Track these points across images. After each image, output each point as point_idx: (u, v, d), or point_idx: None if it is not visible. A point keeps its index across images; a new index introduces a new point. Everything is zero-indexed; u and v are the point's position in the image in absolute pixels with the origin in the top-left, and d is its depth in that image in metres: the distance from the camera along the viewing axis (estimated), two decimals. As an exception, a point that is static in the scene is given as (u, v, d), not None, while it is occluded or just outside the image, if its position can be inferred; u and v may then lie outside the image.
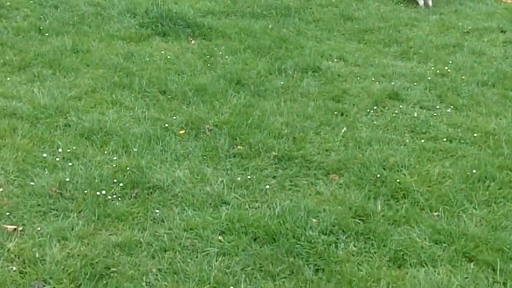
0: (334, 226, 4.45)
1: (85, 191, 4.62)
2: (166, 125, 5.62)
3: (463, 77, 7.13)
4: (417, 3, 9.50)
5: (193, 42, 7.64)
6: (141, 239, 4.21)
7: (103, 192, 4.61)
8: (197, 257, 4.09)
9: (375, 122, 6.02)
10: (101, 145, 5.27)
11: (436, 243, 4.41)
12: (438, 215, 4.71)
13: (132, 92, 6.21)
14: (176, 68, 6.84)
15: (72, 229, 4.26)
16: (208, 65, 6.98)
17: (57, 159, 5.03)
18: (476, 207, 4.82)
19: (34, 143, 5.26)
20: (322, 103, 6.30)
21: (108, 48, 7.23)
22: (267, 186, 4.87)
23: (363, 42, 8.09)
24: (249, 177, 4.97)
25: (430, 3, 9.49)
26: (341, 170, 5.18)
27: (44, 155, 5.07)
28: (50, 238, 4.16)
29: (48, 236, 4.18)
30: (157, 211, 4.50)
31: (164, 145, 5.31)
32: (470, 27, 8.80)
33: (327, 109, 6.19)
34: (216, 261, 4.05)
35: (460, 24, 8.91)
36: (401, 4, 9.61)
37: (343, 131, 5.79)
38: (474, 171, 5.23)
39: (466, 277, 4.11)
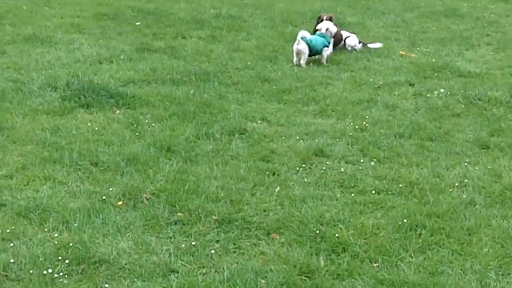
0: (282, 285, 4.59)
1: (31, 271, 4.60)
2: (103, 197, 5.66)
3: (381, 131, 7.45)
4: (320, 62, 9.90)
5: (118, 112, 7.72)
6: (95, 314, 4.22)
7: (49, 270, 4.60)
8: (153, 327, 4.12)
9: (305, 180, 6.22)
10: (40, 222, 5.25)
11: (380, 294, 4.59)
12: (378, 265, 4.90)
13: (64, 166, 6.23)
14: (104, 139, 6.89)
15: (23, 311, 4.23)
16: (136, 134, 7.07)
17: (-3, 240, 4.98)
18: (412, 255, 5.04)
19: (-30, 225, 5.19)
20: (253, 164, 6.47)
21: (33, 123, 7.22)
22: (212, 251, 4.97)
23: (282, 102, 8.35)
24: (193, 243, 5.05)
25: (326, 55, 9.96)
26: (281, 229, 5.33)
27: (-17, 237, 5.01)
28: (2, 321, 4.12)
29: (-1, 319, 4.14)
30: (106, 285, 4.52)
31: (104, 217, 5.34)
32: (380, 82, 9.21)
33: (259, 169, 6.36)
34: (173, 329, 4.10)
35: (371, 79, 9.31)
36: (313, 65, 9.96)
37: (277, 190, 5.97)
38: (405, 220, 5.47)
39: (413, 324, 4.29)
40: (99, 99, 7.97)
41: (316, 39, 9.94)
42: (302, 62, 9.82)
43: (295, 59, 9.88)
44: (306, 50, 9.81)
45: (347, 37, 10.86)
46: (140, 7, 13.22)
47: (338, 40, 10.61)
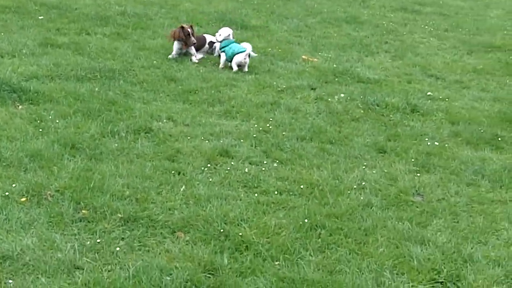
0: (187, 282, 4.69)
1: None
2: (6, 193, 5.61)
3: (283, 133, 7.66)
4: (232, 68, 9.99)
5: (20, 107, 7.62)
6: (-2, 311, 4.21)
7: (-49, 266, 4.55)
8: (58, 323, 4.15)
9: (210, 179, 6.34)
10: None
11: (281, 291, 4.77)
12: (279, 264, 5.07)
13: (-35, 161, 6.12)
14: (6, 134, 6.80)
15: None
16: (40, 130, 7.00)
17: None
18: (312, 254, 5.24)
19: None
20: (159, 163, 6.54)
21: None
22: (117, 249, 5.02)
23: (188, 103, 8.43)
24: (98, 240, 5.09)
25: (245, 69, 10.01)
26: (186, 227, 5.43)
27: None
28: None
29: None
30: (10, 281, 4.51)
31: (7, 213, 5.30)
32: (284, 86, 9.42)
33: (164, 168, 6.43)
34: (78, 325, 4.14)
35: (274, 83, 9.51)
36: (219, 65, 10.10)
37: (182, 189, 6.06)
38: (305, 220, 5.68)
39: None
40: (1, 94, 7.84)
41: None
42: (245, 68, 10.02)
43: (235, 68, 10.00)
44: None
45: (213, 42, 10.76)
46: (43, 1, 12.99)
47: (201, 45, 10.66)
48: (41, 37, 10.51)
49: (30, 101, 7.82)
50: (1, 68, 8.77)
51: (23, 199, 5.56)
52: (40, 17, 11.78)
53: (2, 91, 7.90)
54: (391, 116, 8.53)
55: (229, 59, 10.01)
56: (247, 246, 5.24)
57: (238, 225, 5.54)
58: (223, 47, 10.13)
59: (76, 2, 13.33)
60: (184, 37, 10.16)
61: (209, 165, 6.65)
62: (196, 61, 10.20)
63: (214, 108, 8.35)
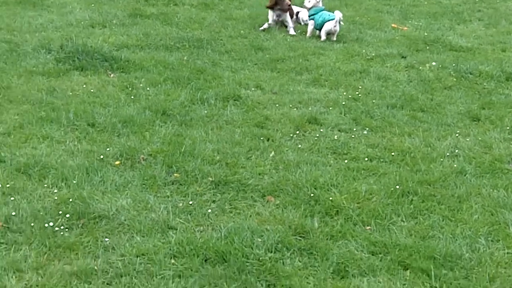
0: (278, 244, 4.69)
1: (32, 224, 4.68)
2: (101, 156, 5.73)
3: (373, 101, 7.55)
4: (320, 37, 9.88)
5: (112, 75, 7.76)
6: (95, 267, 4.31)
7: (50, 224, 4.68)
8: (153, 280, 4.22)
9: (299, 146, 6.32)
10: (39, 179, 5.32)
11: (373, 254, 4.72)
12: (370, 228, 5.02)
13: (61, 126, 6.28)
14: (100, 101, 6.94)
15: (25, 261, 4.33)
16: (131, 97, 7.12)
17: (-3, 194, 5.05)
18: (404, 219, 5.16)
19: (-31, 180, 5.25)
20: (248, 130, 6.55)
21: (28, 84, 7.24)
22: (209, 210, 5.07)
23: (276, 71, 8.41)
24: (190, 202, 5.15)
25: (334, 38, 9.87)
26: (276, 191, 5.43)
27: (-17, 191, 5.08)
28: (5, 271, 4.21)
29: (3, 269, 4.23)
30: (106, 239, 4.61)
31: (102, 175, 5.42)
32: (373, 54, 9.28)
33: (253, 135, 6.44)
34: (172, 283, 4.21)
35: (363, 51, 9.39)
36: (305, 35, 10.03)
37: (271, 155, 6.06)
38: (397, 186, 5.59)
39: (404, 284, 4.42)
40: (94, 62, 8.00)
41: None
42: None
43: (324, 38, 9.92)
44: None
45: (298, 12, 10.65)
46: (132, -27, 13.18)
47: (290, 14, 10.52)
48: (130, 8, 10.66)
49: (121, 70, 7.96)
50: (93, 38, 8.95)
51: (117, 162, 5.67)
52: (129, -11, 11.94)
53: (95, 59, 8.06)
54: (485, 84, 8.29)
55: (318, 27, 9.91)
56: (337, 211, 5.20)
57: (328, 190, 5.50)
58: (312, 15, 10.01)
59: (164, -26, 13.44)
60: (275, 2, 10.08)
61: (297, 132, 6.62)
62: (294, 33, 10.09)
63: (302, 77, 8.30)
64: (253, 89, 7.70)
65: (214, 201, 5.23)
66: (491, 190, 5.66)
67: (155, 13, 10.51)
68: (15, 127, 6.20)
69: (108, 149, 5.88)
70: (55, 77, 7.53)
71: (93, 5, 10.67)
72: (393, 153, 6.26)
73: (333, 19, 9.76)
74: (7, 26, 9.19)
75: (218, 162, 5.82)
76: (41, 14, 9.99)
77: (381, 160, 6.16)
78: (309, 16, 10.11)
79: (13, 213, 4.76)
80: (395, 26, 10.77)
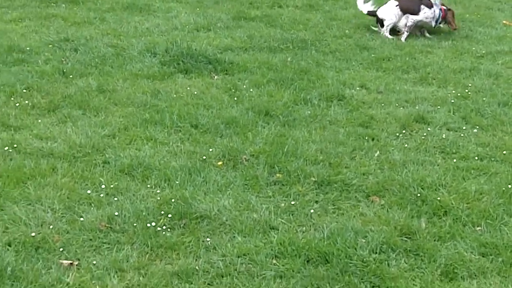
0: (383, 245, 4.54)
1: (134, 224, 4.70)
2: (204, 157, 5.72)
3: (484, 99, 7.25)
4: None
5: (216, 77, 7.77)
6: (197, 267, 4.29)
7: (153, 224, 4.69)
8: (254, 281, 4.16)
9: (405, 145, 6.12)
10: (143, 179, 5.36)
11: (483, 256, 4.50)
12: (480, 229, 4.79)
13: (165, 128, 6.32)
14: (203, 103, 6.95)
15: (127, 261, 4.34)
16: (235, 98, 7.10)
17: (101, 195, 5.11)
18: (517, 220, 4.90)
19: (75, 181, 5.34)
20: (352, 130, 6.40)
21: (133, 87, 7.34)
22: (311, 211, 4.96)
23: (381, 70, 8.21)
24: (292, 203, 5.05)
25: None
26: (381, 192, 5.27)
27: (88, 191, 5.15)
28: (107, 271, 4.24)
29: (105, 268, 4.26)
30: (208, 239, 4.58)
31: (205, 176, 5.40)
32: (483, 51, 8.94)
33: (357, 135, 6.29)
34: (274, 283, 4.13)
35: (473, 49, 9.06)
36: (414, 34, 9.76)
37: (376, 155, 5.89)
38: (509, 186, 5.32)
39: (518, 288, 4.18)
40: (198, 65, 8.03)
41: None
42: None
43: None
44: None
45: None
46: (236, -22, 13.23)
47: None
48: (234, 11, 10.68)
49: (225, 72, 7.95)
50: (197, 41, 8.99)
51: (220, 163, 5.65)
52: (233, -7, 11.98)
53: (199, 62, 8.09)
54: None
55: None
56: (445, 211, 5.00)
57: (435, 190, 5.30)
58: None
59: (268, -23, 13.42)
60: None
61: (404, 131, 6.42)
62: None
63: (408, 75, 8.07)
64: (357, 88, 7.54)
65: (316, 201, 5.12)
66: None
67: (259, 16, 10.48)
68: (119, 129, 6.28)
69: (210, 150, 5.87)
70: (160, 80, 7.61)
71: (198, 9, 10.75)
72: (504, 152, 5.98)
73: None
74: (113, 31, 9.37)
75: (321, 162, 5.71)
76: (147, 19, 10.13)
77: (492, 159, 5.89)
78: None
79: (116, 213, 4.80)
80: (507, 23, 10.34)
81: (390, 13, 9.59)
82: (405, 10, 9.58)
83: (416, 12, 9.54)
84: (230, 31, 9.62)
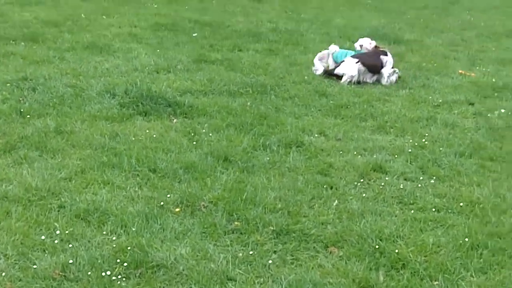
0: (341, 299, 4.51)
1: (89, 273, 4.60)
2: (161, 203, 5.65)
3: (440, 149, 7.33)
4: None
5: (175, 120, 7.73)
6: (152, 319, 4.20)
7: (108, 272, 4.60)
8: (211, 334, 4.09)
9: (364, 195, 6.14)
10: (99, 225, 5.27)
11: (441, 312, 4.49)
12: (438, 284, 4.79)
13: (122, 172, 6.24)
14: (162, 146, 6.90)
15: (82, 311, 4.24)
16: (194, 142, 7.06)
17: (56, 241, 5.00)
18: (473, 274, 4.92)
19: (30, 225, 5.22)
20: (310, 177, 6.41)
21: (92, 129, 7.26)
22: (270, 261, 4.92)
23: (340, 117, 8.27)
24: (250, 252, 5.01)
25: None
26: (339, 242, 5.25)
27: (42, 237, 5.03)
28: (61, 321, 4.13)
29: (58, 319, 4.14)
30: (165, 289, 4.51)
31: (162, 223, 5.33)
32: (440, 101, 9.08)
33: (316, 182, 6.29)
34: (231, 337, 4.06)
35: (430, 97, 9.20)
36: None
37: (335, 204, 5.89)
38: (466, 239, 5.35)
39: None
40: (157, 108, 8.00)
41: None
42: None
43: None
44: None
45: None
46: (196, 19, 13.29)
47: None
48: (195, 53, 10.71)
49: (185, 115, 7.93)
50: (157, 83, 8.97)
51: (177, 210, 5.59)
52: (194, 34, 12.04)
53: (158, 105, 8.06)
54: (556, 132, 8.00)
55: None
56: (403, 264, 4.99)
57: (393, 241, 5.30)
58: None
59: (228, 19, 13.54)
60: None
61: (362, 180, 6.45)
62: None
63: (366, 123, 8.14)
64: (316, 135, 7.58)
65: (275, 252, 5.08)
66: None
67: (220, 59, 10.53)
68: (76, 172, 6.19)
69: (168, 195, 5.81)
70: (119, 122, 7.54)
71: (158, 50, 10.75)
72: (461, 204, 6.03)
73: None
74: (73, 70, 9.30)
75: (280, 210, 5.68)
76: (107, 59, 10.10)
77: (449, 211, 5.93)
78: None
79: (71, 261, 4.69)
80: (463, 72, 10.55)
81: (351, 68, 9.70)
82: (368, 66, 9.72)
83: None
84: (190, 73, 9.63)
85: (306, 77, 9.79)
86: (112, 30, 12.10)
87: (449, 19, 15.14)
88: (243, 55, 10.94)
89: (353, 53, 10.09)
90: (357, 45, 10.26)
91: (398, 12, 15.44)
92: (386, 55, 9.92)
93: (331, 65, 10.09)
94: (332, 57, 10.19)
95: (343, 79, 9.69)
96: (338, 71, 9.81)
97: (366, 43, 10.19)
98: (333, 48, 10.26)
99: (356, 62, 9.72)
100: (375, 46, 10.19)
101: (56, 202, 5.62)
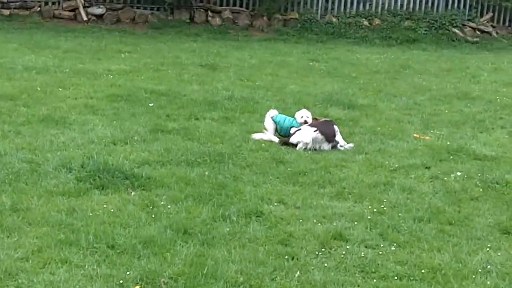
0: None
1: None
2: (121, 281, 5.56)
3: (399, 214, 7.38)
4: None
5: (133, 193, 7.67)
6: None
7: None
8: None
9: (325, 264, 6.12)
10: (57, 307, 5.15)
11: None
12: None
13: (80, 249, 6.14)
14: (120, 221, 6.82)
15: None
16: (152, 216, 7.00)
17: (12, 325, 4.87)
18: None
19: (-15, 309, 5.08)
20: (272, 248, 6.38)
21: (48, 205, 7.15)
22: (233, 338, 4.84)
23: (298, 185, 8.28)
24: (213, 330, 4.93)
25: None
26: (303, 315, 5.21)
27: (-2, 321, 4.90)
28: None
29: None
30: None
31: (122, 303, 5.24)
32: (396, 165, 9.16)
33: (277, 253, 6.26)
34: None
35: (386, 162, 9.27)
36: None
37: (297, 275, 5.86)
38: (429, 307, 5.35)
39: None
40: (114, 181, 7.92)
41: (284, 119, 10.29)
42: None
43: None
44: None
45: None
46: (152, 89, 13.30)
47: None
48: (151, 123, 10.69)
49: (142, 187, 7.87)
50: (114, 155, 8.91)
51: (137, 287, 5.49)
52: (150, 105, 12.03)
53: (115, 177, 7.98)
54: (512, 194, 8.12)
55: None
56: (368, 336, 4.96)
57: (357, 313, 5.27)
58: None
59: (184, 88, 13.57)
60: None
61: (323, 249, 6.44)
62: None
63: (325, 190, 8.16)
64: (275, 204, 7.57)
65: (238, 328, 5.01)
66: (529, 309, 5.41)
67: (177, 128, 10.52)
68: (33, 251, 6.07)
69: (128, 272, 5.72)
70: (76, 197, 7.45)
71: (114, 121, 10.71)
72: (423, 271, 6.05)
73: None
74: (28, 145, 9.20)
75: (241, 284, 5.63)
76: (63, 132, 10.01)
77: (411, 278, 5.94)
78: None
79: None
80: (417, 136, 10.70)
81: (307, 136, 9.80)
82: (325, 135, 9.85)
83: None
84: (147, 144, 9.59)
85: (263, 145, 9.83)
86: (68, 102, 12.03)
87: (402, 83, 15.39)
88: (199, 124, 10.95)
89: (293, 119, 10.28)
90: (298, 116, 10.36)
91: (351, 78, 15.67)
92: (335, 124, 10.16)
93: (269, 127, 10.34)
94: (271, 119, 10.36)
95: (298, 146, 9.78)
96: (292, 139, 9.90)
97: (308, 115, 10.35)
98: (273, 112, 10.48)
99: (314, 131, 9.81)
100: (314, 118, 10.37)
101: (12, 283, 5.51)
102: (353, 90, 14.10)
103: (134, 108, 11.74)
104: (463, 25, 23.98)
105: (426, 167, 9.13)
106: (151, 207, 7.25)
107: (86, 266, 5.84)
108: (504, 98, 13.99)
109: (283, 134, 10.29)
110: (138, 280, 5.61)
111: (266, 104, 12.58)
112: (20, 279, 5.54)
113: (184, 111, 11.71)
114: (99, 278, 5.62)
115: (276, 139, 10.13)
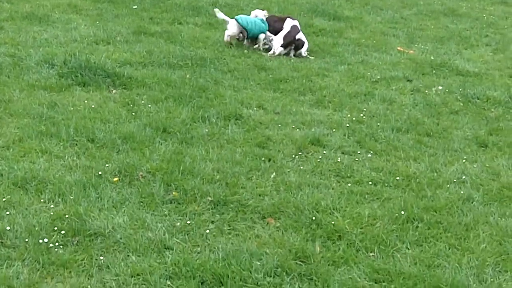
0: (277, 268, 4.57)
1: (26, 240, 4.57)
2: (99, 172, 5.62)
3: (378, 124, 7.44)
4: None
5: (114, 91, 7.65)
6: (89, 286, 4.19)
7: (45, 240, 4.58)
8: (148, 302, 4.09)
9: (301, 167, 6.20)
10: (36, 193, 5.22)
11: (376, 282, 4.61)
12: (373, 255, 4.89)
13: (61, 141, 6.17)
14: (101, 116, 6.83)
15: (18, 278, 4.24)
16: (132, 113, 7.01)
17: (-8, 208, 4.93)
18: (409, 246, 5.04)
19: (-35, 193, 5.14)
20: (249, 149, 6.44)
21: (30, 98, 7.14)
22: (207, 231, 4.94)
23: (278, 91, 8.30)
24: (188, 222, 5.03)
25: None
26: (277, 213, 5.31)
27: (-22, 205, 4.96)
28: (-5, 288, 4.08)
29: (-7, 286, 4.10)
30: (101, 257, 4.50)
31: (100, 192, 5.31)
32: (378, 77, 9.18)
33: (254, 155, 6.33)
34: (168, 305, 4.07)
35: (368, 73, 9.29)
36: (312, 56, 9.92)
37: (272, 176, 5.94)
38: (402, 212, 5.47)
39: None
40: (96, 78, 7.90)
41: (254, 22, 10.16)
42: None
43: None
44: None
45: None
46: (137, -9, 13.09)
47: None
48: (134, 25, 10.57)
49: (124, 86, 7.85)
50: (96, 54, 8.84)
51: (116, 179, 5.56)
52: (134, 7, 11.87)
53: (97, 75, 7.95)
54: (492, 110, 8.19)
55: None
56: (339, 236, 5.08)
57: (330, 213, 5.38)
58: None
59: (169, -8, 13.36)
60: None
61: (300, 153, 6.51)
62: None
63: (305, 97, 8.19)
64: (255, 108, 7.60)
65: (212, 222, 5.11)
66: (499, 218, 5.55)
67: (159, 31, 10.42)
68: (14, 141, 6.10)
69: (107, 165, 5.77)
70: (57, 92, 7.43)
71: (98, 22, 10.58)
72: (398, 178, 6.14)
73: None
74: (11, 40, 9.09)
75: (218, 181, 5.70)
76: (46, 29, 9.89)
77: (386, 184, 6.04)
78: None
79: (8, 228, 4.66)
80: (401, 49, 10.68)
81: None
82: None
83: None
84: (129, 45, 9.52)
85: (245, 51, 9.78)
86: (51, 1, 11.80)
87: (389, -3, 15.26)
88: (182, 28, 10.85)
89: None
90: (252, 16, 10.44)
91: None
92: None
93: (233, 28, 10.19)
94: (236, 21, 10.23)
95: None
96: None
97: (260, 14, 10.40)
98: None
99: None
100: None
101: (-7, 170, 5.53)
102: (340, 1, 13.95)
103: (117, 9, 11.58)
104: None
105: (408, 80, 9.16)
106: (131, 105, 7.26)
107: (66, 157, 5.88)
108: (491, 16, 13.94)
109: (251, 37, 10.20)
110: (116, 173, 5.66)
111: (251, 11, 12.43)
112: (0, 165, 5.58)
113: (168, 15, 11.58)
114: (78, 168, 5.67)
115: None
